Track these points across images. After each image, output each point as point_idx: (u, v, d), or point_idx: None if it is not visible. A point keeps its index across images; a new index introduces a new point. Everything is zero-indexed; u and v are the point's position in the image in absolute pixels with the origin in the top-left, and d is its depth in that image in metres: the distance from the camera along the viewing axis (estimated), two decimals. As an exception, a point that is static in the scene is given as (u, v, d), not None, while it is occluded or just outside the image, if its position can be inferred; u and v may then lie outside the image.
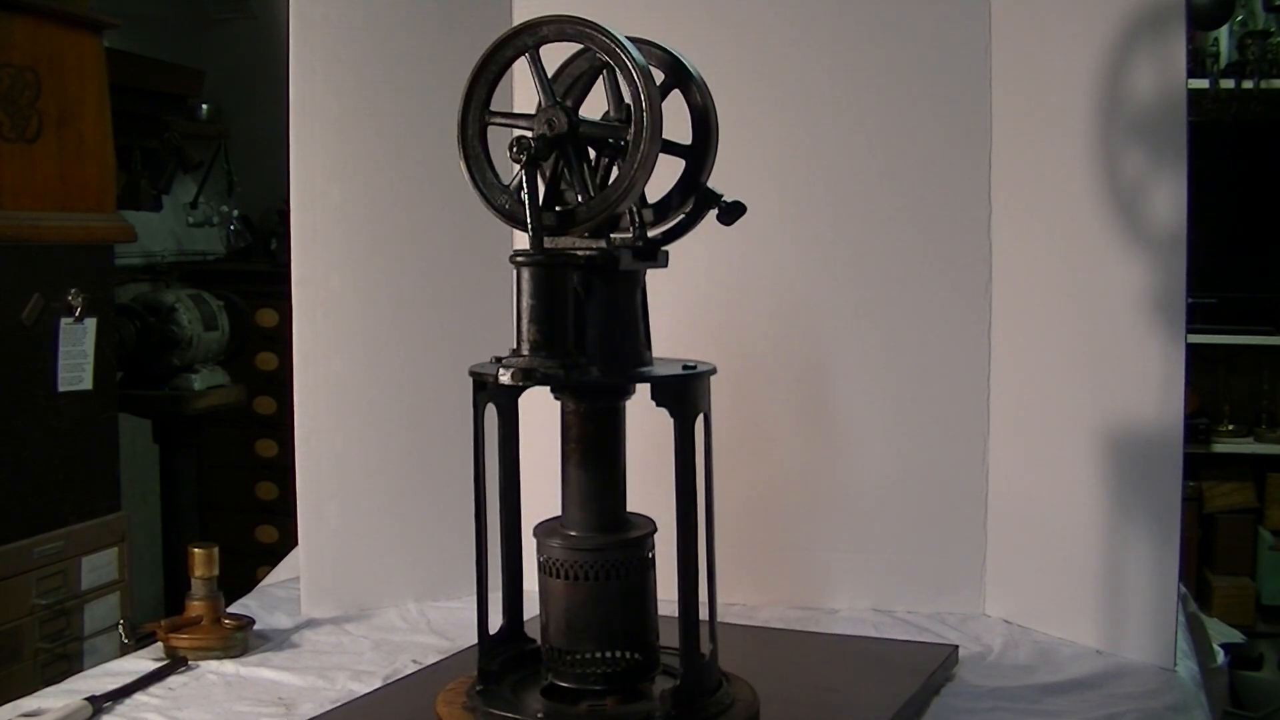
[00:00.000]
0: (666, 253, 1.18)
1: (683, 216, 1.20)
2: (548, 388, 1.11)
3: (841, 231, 1.63)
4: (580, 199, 1.11)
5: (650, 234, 1.17)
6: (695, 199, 1.18)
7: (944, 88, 1.59)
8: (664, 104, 1.12)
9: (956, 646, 1.44)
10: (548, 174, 1.12)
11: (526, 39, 1.10)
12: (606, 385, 1.11)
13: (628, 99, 1.10)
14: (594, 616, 1.12)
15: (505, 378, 1.03)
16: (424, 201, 1.65)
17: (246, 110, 3.84)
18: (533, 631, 1.21)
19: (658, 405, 1.10)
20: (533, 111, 1.12)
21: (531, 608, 1.21)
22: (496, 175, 1.13)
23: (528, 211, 1.06)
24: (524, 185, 1.07)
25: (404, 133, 1.64)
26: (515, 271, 1.04)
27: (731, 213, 1.17)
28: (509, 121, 1.13)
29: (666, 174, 1.16)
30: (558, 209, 1.12)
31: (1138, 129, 1.41)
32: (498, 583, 1.19)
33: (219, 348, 3.04)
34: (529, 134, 1.08)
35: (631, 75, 1.06)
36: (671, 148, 1.15)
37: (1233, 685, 3.00)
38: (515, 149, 1.07)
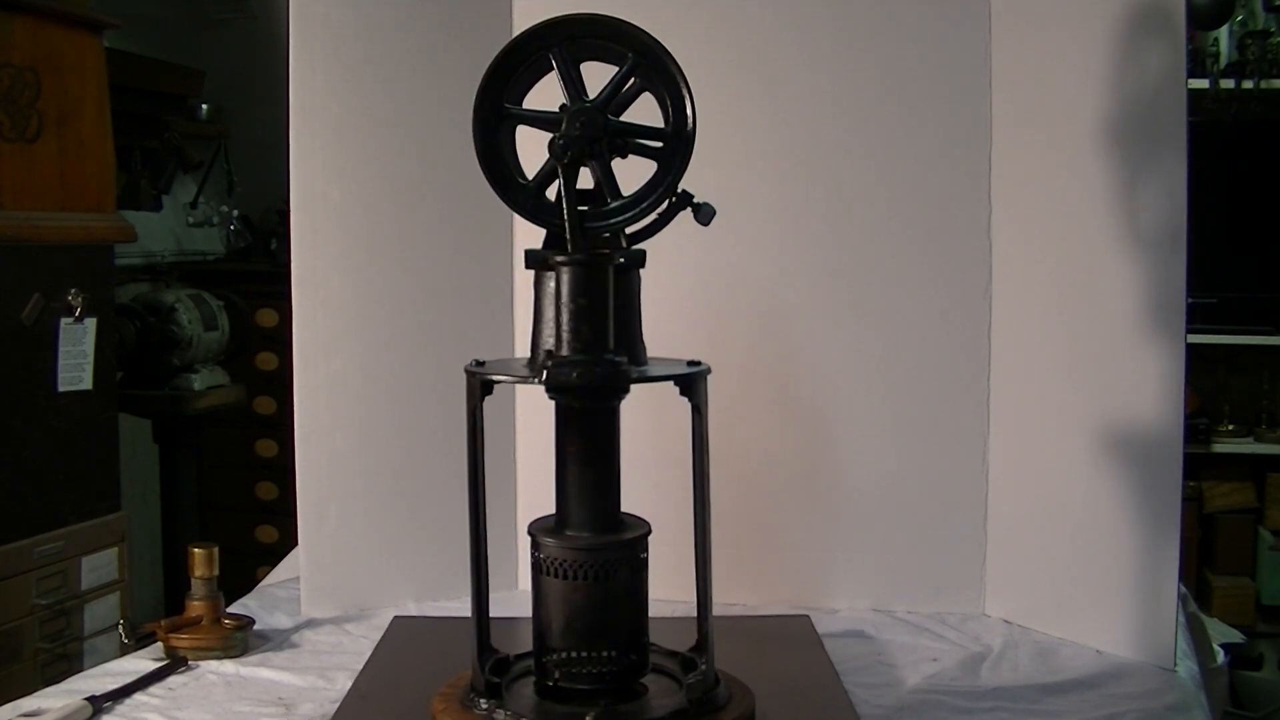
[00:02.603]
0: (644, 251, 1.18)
1: (655, 217, 1.20)
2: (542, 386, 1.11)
3: (841, 232, 1.63)
4: (611, 199, 1.10)
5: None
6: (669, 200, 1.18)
7: (943, 88, 1.59)
8: (636, 103, 1.12)
9: (807, 615, 1.52)
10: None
11: (553, 36, 1.09)
12: (617, 384, 1.10)
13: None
14: (595, 616, 1.12)
15: (572, 378, 1.02)
16: (424, 202, 1.65)
17: (246, 110, 3.84)
18: (500, 635, 1.20)
19: (690, 400, 1.11)
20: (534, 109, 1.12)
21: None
22: (513, 173, 1.12)
23: (566, 212, 1.05)
24: (561, 186, 1.06)
25: (404, 133, 1.64)
26: (555, 272, 1.04)
27: (706, 213, 1.16)
28: (531, 120, 1.12)
29: (640, 174, 1.16)
30: (598, 209, 1.11)
31: (1138, 129, 1.41)
32: (498, 590, 1.18)
33: (219, 348, 3.05)
34: (560, 133, 1.08)
35: (673, 77, 1.06)
36: (643, 149, 1.15)
37: (1233, 685, 3.00)
38: (559, 149, 1.06)
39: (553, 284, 1.09)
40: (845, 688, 1.30)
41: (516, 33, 1.61)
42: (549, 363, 1.04)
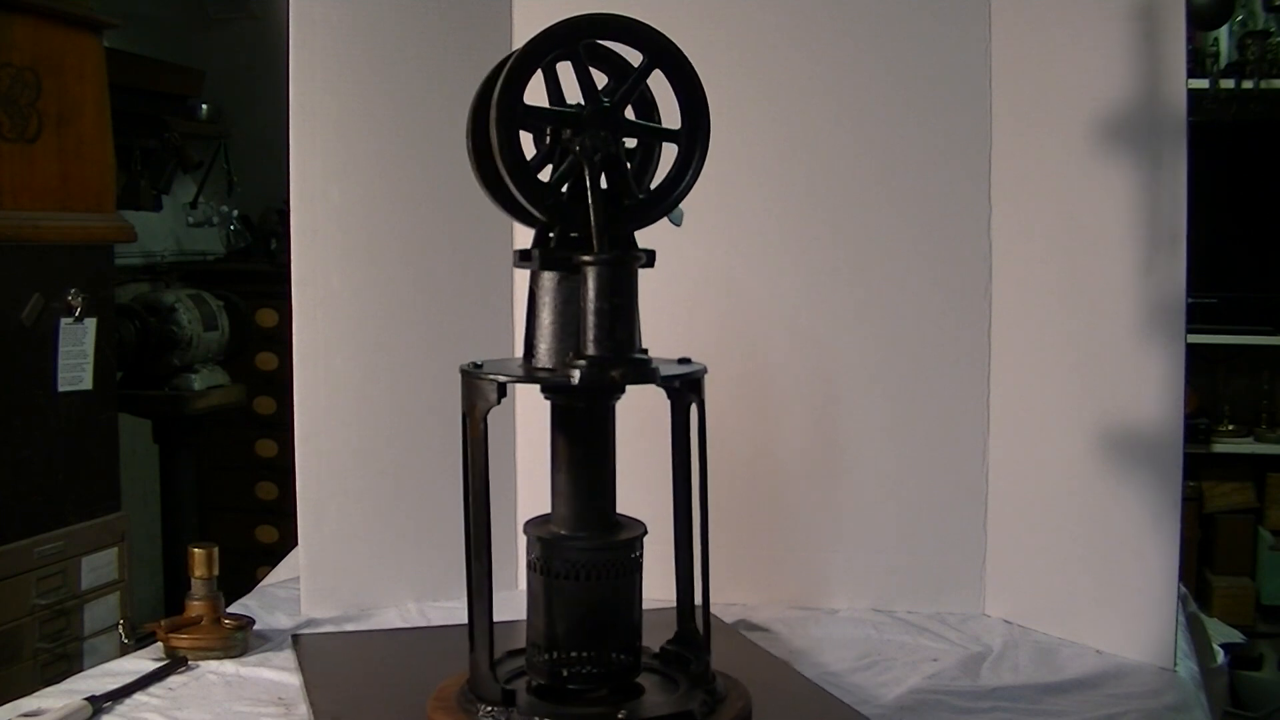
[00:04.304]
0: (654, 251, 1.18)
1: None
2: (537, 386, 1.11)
3: (841, 232, 1.63)
4: (626, 199, 1.10)
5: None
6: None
7: (944, 87, 1.59)
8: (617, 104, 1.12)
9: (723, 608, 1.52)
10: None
11: (568, 36, 1.09)
12: (650, 383, 1.08)
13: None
14: (592, 616, 1.11)
15: (613, 377, 1.01)
16: (424, 202, 1.65)
17: (246, 110, 3.84)
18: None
19: (695, 398, 1.12)
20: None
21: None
22: (533, 174, 1.11)
23: (594, 212, 1.05)
24: (589, 186, 1.06)
25: (404, 133, 1.64)
26: (581, 273, 1.03)
27: (678, 216, 1.16)
28: (549, 119, 1.11)
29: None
30: (615, 209, 1.11)
31: (1138, 129, 1.41)
32: (498, 590, 1.17)
33: (219, 348, 3.05)
34: (585, 134, 1.08)
35: (689, 79, 1.06)
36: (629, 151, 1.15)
37: (1233, 685, 3.00)
38: (589, 148, 1.06)
39: (554, 284, 1.09)
40: (843, 686, 1.31)
41: (516, 33, 1.64)
42: (580, 363, 1.03)
